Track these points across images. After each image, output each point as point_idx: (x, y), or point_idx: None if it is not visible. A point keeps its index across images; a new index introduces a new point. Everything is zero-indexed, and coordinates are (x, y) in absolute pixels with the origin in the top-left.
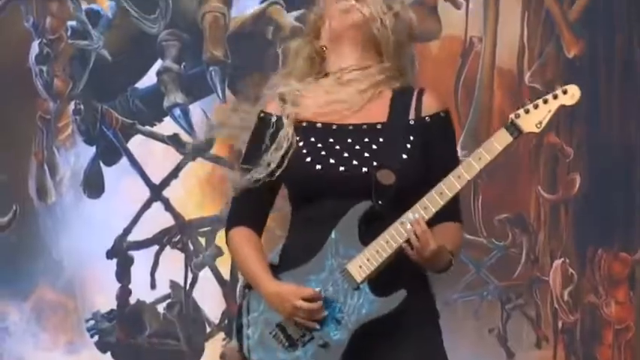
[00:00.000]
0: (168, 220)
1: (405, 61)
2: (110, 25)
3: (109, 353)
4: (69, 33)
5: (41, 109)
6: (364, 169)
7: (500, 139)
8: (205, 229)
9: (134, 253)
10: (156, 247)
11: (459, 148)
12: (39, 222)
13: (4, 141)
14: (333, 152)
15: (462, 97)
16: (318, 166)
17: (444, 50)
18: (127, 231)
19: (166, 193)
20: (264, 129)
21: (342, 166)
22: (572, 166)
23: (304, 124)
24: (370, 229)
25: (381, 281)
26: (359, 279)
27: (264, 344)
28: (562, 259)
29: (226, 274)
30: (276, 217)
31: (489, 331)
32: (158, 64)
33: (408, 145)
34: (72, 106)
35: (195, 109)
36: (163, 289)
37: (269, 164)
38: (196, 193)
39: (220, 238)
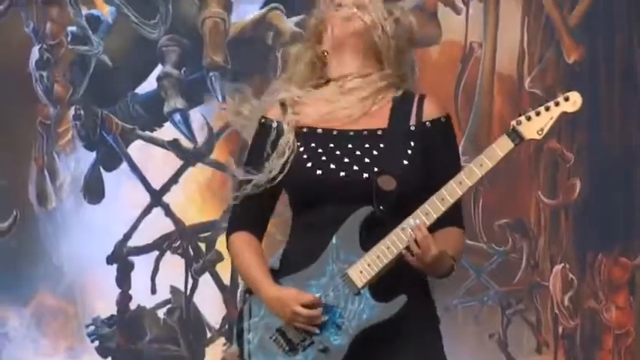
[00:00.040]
0: (168, 226)
1: (406, 67)
2: (110, 30)
3: (109, 359)
4: (69, 38)
5: (41, 114)
6: (365, 175)
7: (502, 146)
8: (205, 234)
9: (134, 259)
10: (156, 253)
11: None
12: (39, 227)
13: (4, 146)
14: (334, 158)
15: (462, 103)
16: (319, 172)
17: (444, 55)
18: (128, 236)
19: (166, 198)
20: (264, 135)
21: (343, 171)
22: (572, 171)
23: (305, 129)
24: (371, 235)
25: (381, 286)
26: (360, 284)
27: (265, 349)
28: (562, 264)
29: (227, 280)
30: (277, 223)
31: (490, 336)
32: (158, 70)
33: (409, 151)
34: (72, 111)
35: (196, 115)
36: (164, 294)
37: (270, 171)
38: (196, 199)
39: (220, 244)
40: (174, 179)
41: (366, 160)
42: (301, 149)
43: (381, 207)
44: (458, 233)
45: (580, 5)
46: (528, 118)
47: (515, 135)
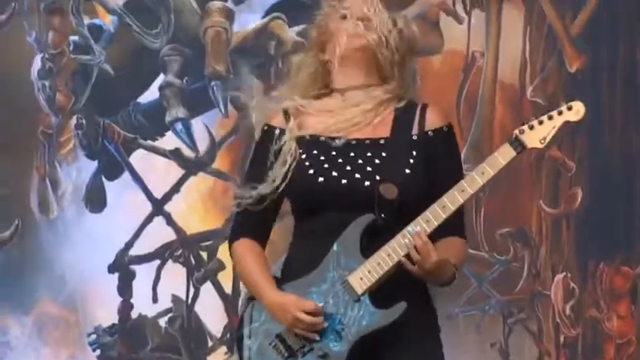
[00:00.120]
0: (170, 235)
1: (408, 77)
2: (112, 39)
3: None
4: (71, 48)
5: (43, 123)
6: (367, 183)
7: (504, 154)
8: (207, 243)
9: (136, 268)
10: (158, 262)
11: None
12: (41, 236)
13: (6, 155)
14: (336, 165)
15: (464, 112)
16: (321, 179)
17: (446, 65)
18: (129, 245)
19: (168, 207)
20: (267, 143)
21: (345, 179)
22: (573, 180)
23: (307, 137)
24: (372, 243)
25: (382, 293)
26: (360, 291)
27: (264, 355)
28: (564, 273)
29: (228, 288)
30: (278, 231)
31: (491, 345)
32: (160, 79)
33: (411, 160)
34: (74, 120)
35: (197, 124)
36: (165, 303)
37: (274, 180)
38: (198, 208)
39: (222, 253)
40: (175, 188)
41: (368, 168)
42: (303, 156)
43: (383, 215)
44: (460, 243)
45: (582, 15)
46: (531, 127)
47: (518, 143)
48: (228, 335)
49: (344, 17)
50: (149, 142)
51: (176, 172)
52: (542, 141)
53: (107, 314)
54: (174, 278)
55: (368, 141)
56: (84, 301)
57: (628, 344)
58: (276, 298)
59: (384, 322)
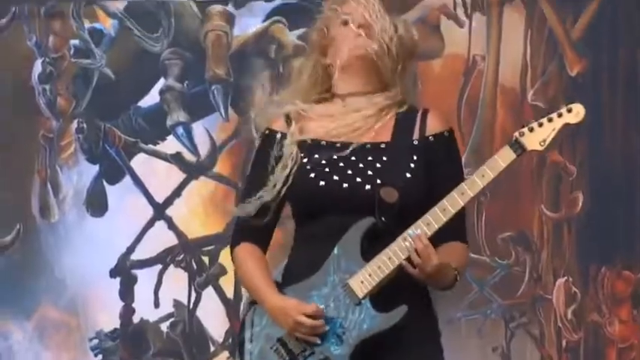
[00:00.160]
0: (171, 239)
1: (408, 82)
2: (113, 43)
3: None
4: (72, 52)
5: (44, 127)
6: (367, 187)
7: (504, 157)
8: (209, 247)
9: (137, 272)
10: (159, 266)
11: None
12: (42, 240)
13: (7, 159)
14: (337, 169)
15: (465, 116)
16: (322, 182)
17: (447, 68)
18: (131, 250)
19: (169, 211)
20: (268, 147)
21: (346, 182)
22: (575, 184)
23: (309, 141)
24: (373, 246)
25: (382, 297)
26: (360, 294)
27: (265, 359)
28: (565, 277)
29: (230, 293)
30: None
31: (493, 349)
32: (161, 83)
33: (412, 165)
34: (75, 124)
35: (198, 128)
36: (167, 307)
37: (275, 185)
38: (199, 212)
39: (224, 257)
40: (177, 192)
41: (369, 172)
42: (304, 160)
43: (383, 218)
44: (461, 247)
45: (583, 18)
46: (531, 130)
47: (518, 146)
48: (230, 340)
49: (345, 23)
50: (150, 146)
51: (177, 176)
52: (542, 143)
53: (109, 319)
54: (176, 283)
55: (369, 145)
56: (85, 306)
57: (630, 349)
58: (277, 302)
59: (385, 326)
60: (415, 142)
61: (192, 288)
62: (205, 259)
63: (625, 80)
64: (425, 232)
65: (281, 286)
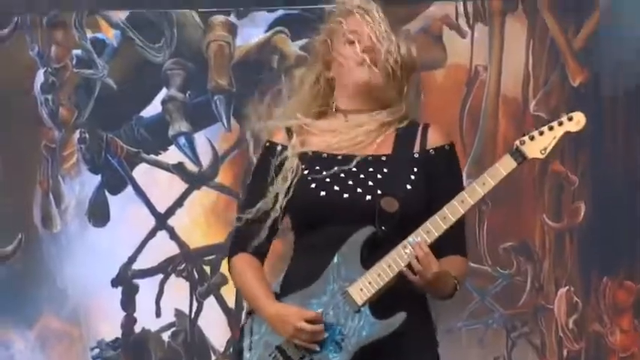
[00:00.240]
0: (173, 249)
1: (410, 97)
2: (115, 53)
3: None
4: (74, 62)
5: (46, 137)
6: (368, 197)
7: (505, 165)
8: (210, 257)
9: (139, 282)
10: (161, 276)
11: (463, 177)
12: (44, 250)
13: (9, 169)
14: (338, 180)
15: (467, 126)
16: (323, 193)
17: (449, 79)
18: (132, 259)
19: (171, 221)
20: (269, 159)
21: (346, 193)
22: (577, 194)
23: (310, 153)
24: (373, 255)
25: (381, 304)
26: (360, 302)
27: None
28: (567, 287)
29: (231, 303)
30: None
31: (494, 359)
32: (163, 93)
33: (412, 177)
34: (77, 134)
35: (200, 138)
36: (168, 317)
37: (275, 196)
38: (201, 222)
39: (225, 267)
40: (179, 202)
41: (370, 183)
42: (305, 172)
43: (383, 227)
44: (461, 260)
45: (585, 29)
46: (532, 138)
47: (519, 154)
48: (231, 349)
49: (350, 42)
50: (152, 156)
51: (179, 186)
52: (543, 151)
53: (110, 328)
54: (178, 292)
55: (370, 157)
56: (87, 316)
57: (631, 358)
58: (277, 309)
59: (384, 333)
60: (416, 155)
61: (194, 297)
62: (207, 269)
63: (626, 90)
64: (425, 240)
65: (279, 297)
